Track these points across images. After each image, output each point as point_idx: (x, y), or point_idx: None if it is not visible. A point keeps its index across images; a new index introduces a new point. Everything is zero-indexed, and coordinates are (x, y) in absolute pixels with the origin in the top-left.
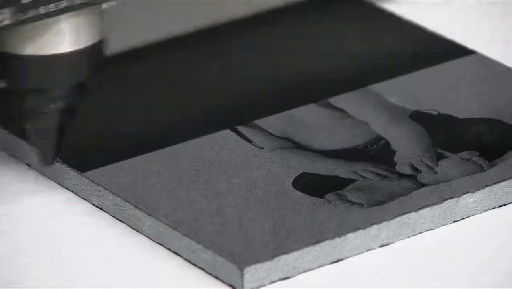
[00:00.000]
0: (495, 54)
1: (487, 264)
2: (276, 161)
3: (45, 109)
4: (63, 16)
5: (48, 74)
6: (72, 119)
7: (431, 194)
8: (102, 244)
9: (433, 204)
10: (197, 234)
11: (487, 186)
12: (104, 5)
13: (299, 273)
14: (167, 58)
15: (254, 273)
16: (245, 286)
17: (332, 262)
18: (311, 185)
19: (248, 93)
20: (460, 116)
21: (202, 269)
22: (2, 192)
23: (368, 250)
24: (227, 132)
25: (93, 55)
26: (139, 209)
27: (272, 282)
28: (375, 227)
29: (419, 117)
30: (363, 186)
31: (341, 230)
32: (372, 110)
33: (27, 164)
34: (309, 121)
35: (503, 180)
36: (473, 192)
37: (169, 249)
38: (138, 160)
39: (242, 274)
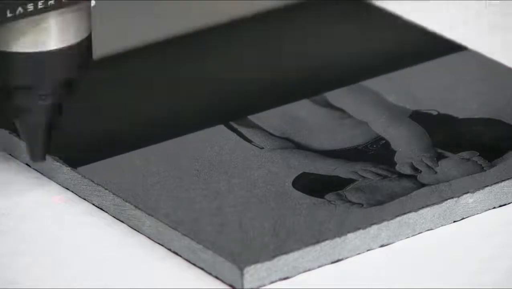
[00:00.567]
0: (495, 54)
1: (487, 264)
2: (276, 161)
3: (34, 106)
4: (50, 13)
5: (36, 71)
6: (62, 115)
7: (431, 194)
8: (102, 244)
9: (433, 204)
10: (197, 234)
11: (487, 186)
12: (93, 2)
13: (299, 273)
14: (163, 57)
15: (254, 273)
16: (245, 286)
17: (332, 262)
18: (311, 185)
19: (244, 89)
20: (460, 116)
21: (202, 269)
22: (2, 192)
23: (368, 250)
24: (227, 132)
25: (81, 52)
26: (139, 209)
27: (272, 282)
28: (375, 227)
29: (419, 117)
30: (363, 186)
31: (341, 230)
32: (372, 110)
33: (27, 164)
34: (309, 121)
35: (503, 180)
36: (473, 192)
37: (169, 249)
38: (138, 160)
39: (242, 274)
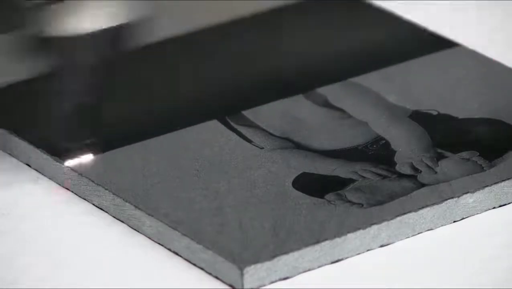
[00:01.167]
0: (495, 54)
1: (487, 264)
2: (276, 161)
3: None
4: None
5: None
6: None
7: (431, 194)
8: (102, 244)
9: (433, 204)
10: (197, 234)
11: (487, 186)
12: None
13: (299, 273)
14: (162, 56)
15: (254, 273)
16: (245, 286)
17: (332, 262)
18: (311, 185)
19: (241, 86)
20: (460, 116)
21: (202, 269)
22: (2, 192)
23: (368, 250)
24: (227, 132)
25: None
26: (139, 209)
27: (272, 282)
28: (375, 227)
29: (419, 117)
30: (363, 186)
31: (341, 230)
32: (372, 110)
33: (27, 164)
34: (309, 121)
35: (503, 180)
36: (473, 192)
37: (169, 249)
38: (138, 160)
39: (242, 274)
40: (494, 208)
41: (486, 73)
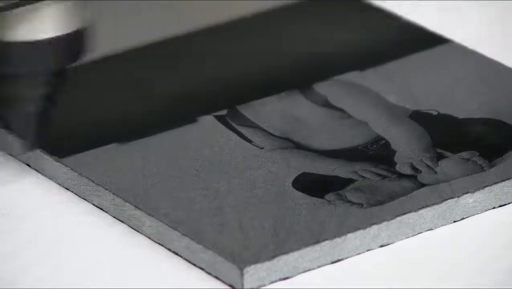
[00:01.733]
0: (495, 54)
1: (487, 264)
2: (276, 161)
3: (26, 95)
4: (44, 3)
5: (28, 61)
6: (54, 106)
7: (431, 194)
8: (102, 244)
9: (433, 204)
10: (197, 234)
11: (487, 186)
12: None
13: (299, 273)
14: (160, 55)
15: (254, 273)
16: (245, 286)
17: (332, 262)
18: (311, 185)
19: (237, 83)
20: (460, 116)
21: (202, 269)
22: (2, 192)
23: (368, 250)
24: (227, 132)
25: (74, 42)
26: (139, 209)
27: (272, 282)
28: (375, 227)
29: (419, 117)
30: (363, 186)
31: (341, 230)
32: (372, 110)
33: (27, 164)
34: (309, 121)
35: (503, 180)
36: (473, 192)
37: (169, 249)
38: (138, 160)
39: (242, 274)
40: (494, 208)
41: (486, 73)
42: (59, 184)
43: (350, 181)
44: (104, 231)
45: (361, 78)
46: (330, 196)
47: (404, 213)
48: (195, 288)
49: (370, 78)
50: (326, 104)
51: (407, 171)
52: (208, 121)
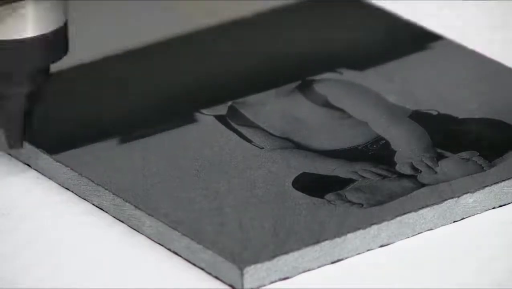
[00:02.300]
0: (495, 54)
1: (487, 264)
2: (276, 161)
3: (10, 93)
4: (27, 1)
5: (12, 59)
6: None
7: (431, 194)
8: (102, 244)
9: (433, 204)
10: (197, 234)
11: (487, 186)
12: None
13: (299, 273)
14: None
15: (254, 273)
16: (245, 286)
17: (332, 262)
18: (311, 185)
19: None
20: (460, 116)
21: (202, 269)
22: (2, 192)
23: (368, 250)
24: (227, 132)
25: (57, 40)
26: (139, 209)
27: (272, 282)
28: (375, 227)
29: (419, 117)
30: (363, 186)
31: (341, 230)
32: (372, 110)
33: (27, 164)
34: (309, 121)
35: (503, 180)
36: (473, 192)
37: (169, 249)
38: (138, 160)
39: (242, 274)
40: (494, 208)
41: (486, 73)
42: (59, 184)
43: (350, 181)
44: (104, 231)
45: (361, 78)
46: (330, 196)
47: (404, 213)
48: (195, 288)
49: (370, 78)
50: (326, 104)
51: (407, 171)
52: (208, 121)
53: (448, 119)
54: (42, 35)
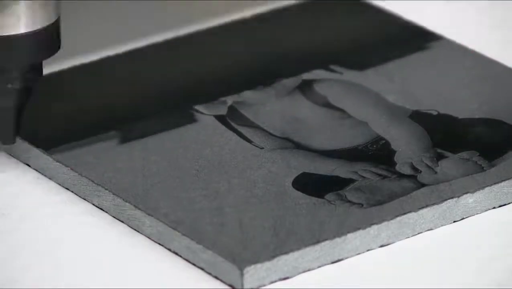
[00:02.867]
0: (495, 54)
1: (487, 264)
2: (276, 161)
3: (2, 89)
4: None
5: (4, 55)
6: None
7: (431, 194)
8: (102, 244)
9: (433, 204)
10: (197, 234)
11: (487, 186)
12: None
13: (299, 273)
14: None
15: (254, 273)
16: (245, 286)
17: (332, 262)
18: (311, 185)
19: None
20: (460, 116)
21: (202, 269)
22: (2, 192)
23: (368, 250)
24: (227, 132)
25: (49, 37)
26: (139, 209)
27: (272, 282)
28: (375, 227)
29: (419, 117)
30: (363, 186)
31: (341, 230)
32: (372, 110)
33: (27, 164)
34: (309, 121)
35: (503, 180)
36: (473, 192)
37: (169, 249)
38: (138, 160)
39: (242, 274)
40: (494, 208)
41: (485, 73)
42: (59, 184)
43: (350, 181)
44: (104, 231)
45: (361, 78)
46: (330, 196)
47: (404, 213)
48: (195, 288)
49: (370, 78)
50: (326, 104)
51: (407, 171)
52: (208, 121)
53: (448, 119)
54: (34, 31)
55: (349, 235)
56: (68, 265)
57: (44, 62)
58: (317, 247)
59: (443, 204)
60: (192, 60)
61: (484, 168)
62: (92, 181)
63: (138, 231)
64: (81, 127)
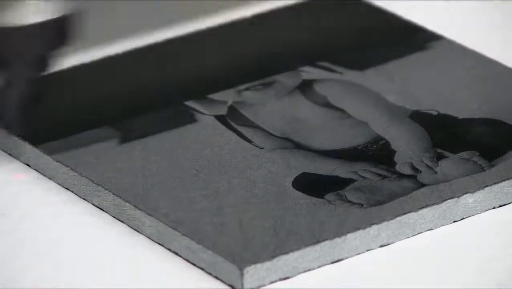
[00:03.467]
0: (495, 54)
1: (487, 264)
2: (276, 161)
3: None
4: None
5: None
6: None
7: (431, 194)
8: (102, 244)
9: (433, 204)
10: (197, 234)
11: (487, 186)
12: None
13: (299, 273)
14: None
15: (254, 273)
16: (245, 286)
17: (332, 262)
18: (311, 185)
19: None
20: (460, 116)
21: (202, 269)
22: (1, 192)
23: (368, 250)
24: (227, 132)
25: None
26: (139, 209)
27: (272, 282)
28: (375, 227)
29: (419, 117)
30: (363, 186)
31: (341, 230)
32: (372, 110)
33: (27, 164)
34: (309, 121)
35: (503, 180)
36: (473, 192)
37: (169, 249)
38: (138, 160)
39: (242, 274)
40: (494, 208)
41: (485, 73)
42: (59, 184)
43: (350, 181)
44: (104, 231)
45: (361, 78)
46: (330, 196)
47: (404, 213)
48: (195, 288)
49: (370, 78)
50: (326, 104)
51: (407, 171)
52: (208, 121)
53: (448, 119)
54: (43, 22)
55: (349, 235)
56: (68, 265)
57: None
58: (317, 247)
59: (443, 204)
60: (192, 60)
61: (484, 168)
62: (92, 181)
63: (138, 231)
64: (81, 127)
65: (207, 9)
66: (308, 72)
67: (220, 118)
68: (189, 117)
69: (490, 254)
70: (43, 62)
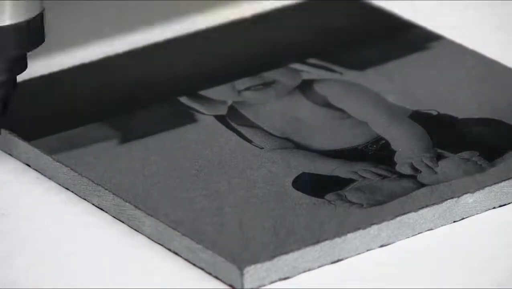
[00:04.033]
0: (496, 54)
1: (487, 264)
2: (276, 161)
3: None
4: None
5: None
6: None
7: (431, 194)
8: (102, 244)
9: (433, 204)
10: (197, 234)
11: (487, 186)
12: None
13: (299, 273)
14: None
15: (254, 273)
16: (245, 286)
17: (332, 262)
18: (311, 185)
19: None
20: (460, 116)
21: (202, 269)
22: (1, 192)
23: (368, 250)
24: (227, 132)
25: (33, 29)
26: (139, 209)
27: (272, 282)
28: (375, 227)
29: (419, 117)
30: (363, 186)
31: (341, 230)
32: (372, 110)
33: (27, 164)
34: (309, 121)
35: (503, 180)
36: (473, 192)
37: (169, 249)
38: (138, 160)
39: (242, 274)
40: (494, 208)
41: (485, 73)
42: (59, 184)
43: (350, 181)
44: (104, 231)
45: (361, 78)
46: (330, 196)
47: (404, 213)
48: (195, 288)
49: (370, 78)
50: (326, 104)
51: (407, 171)
52: (208, 121)
53: (448, 119)
54: (18, 24)
55: (349, 235)
56: (68, 265)
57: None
58: (317, 247)
59: (443, 204)
60: (192, 60)
61: (484, 168)
62: (92, 181)
63: (138, 231)
64: (81, 127)
65: (207, 9)
66: (308, 72)
67: (220, 118)
68: (189, 117)
69: (490, 254)
70: (16, 64)
